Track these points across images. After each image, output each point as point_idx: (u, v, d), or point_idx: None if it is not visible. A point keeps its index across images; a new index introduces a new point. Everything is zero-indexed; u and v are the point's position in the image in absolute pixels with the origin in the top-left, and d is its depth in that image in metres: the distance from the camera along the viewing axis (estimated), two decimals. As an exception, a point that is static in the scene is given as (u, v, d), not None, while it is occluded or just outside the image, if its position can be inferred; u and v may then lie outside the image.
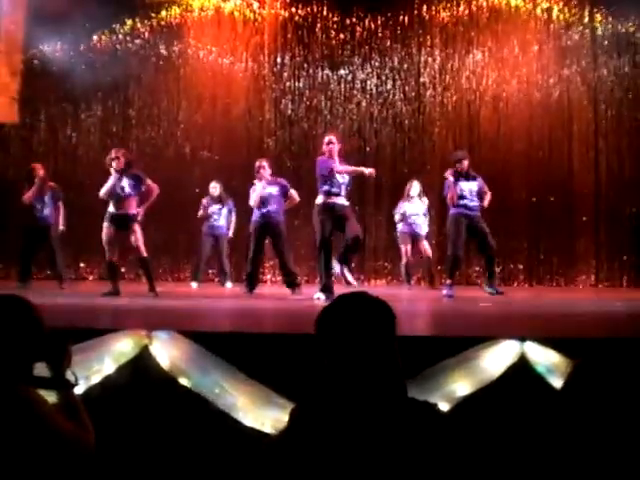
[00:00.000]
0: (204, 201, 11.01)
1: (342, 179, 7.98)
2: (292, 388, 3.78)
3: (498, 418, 3.94)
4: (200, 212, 10.96)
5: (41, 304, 2.55)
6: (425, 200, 11.03)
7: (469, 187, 8.95)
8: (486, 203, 9.11)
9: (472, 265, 12.15)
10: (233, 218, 11.12)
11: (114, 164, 8.53)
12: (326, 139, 8.12)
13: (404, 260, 11.01)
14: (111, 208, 8.48)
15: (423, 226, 10.92)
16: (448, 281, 9.04)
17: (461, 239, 8.89)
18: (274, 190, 9.16)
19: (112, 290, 8.36)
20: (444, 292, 8.96)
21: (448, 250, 9.04)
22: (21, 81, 11.81)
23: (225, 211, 11.01)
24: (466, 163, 9.01)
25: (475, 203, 8.95)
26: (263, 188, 9.09)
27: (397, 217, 11.01)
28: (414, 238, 10.90)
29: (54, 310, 5.90)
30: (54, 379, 2.49)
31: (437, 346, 4.22)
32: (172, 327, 4.43)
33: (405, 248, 10.93)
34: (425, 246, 10.86)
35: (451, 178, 8.94)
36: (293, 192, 9.34)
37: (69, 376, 2.54)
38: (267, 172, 9.23)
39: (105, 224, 8.46)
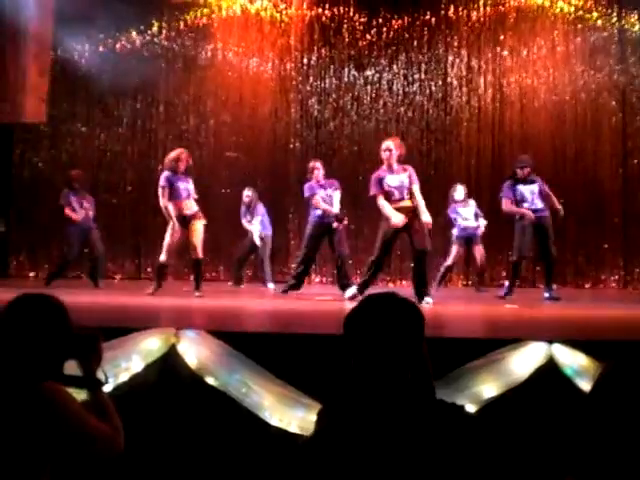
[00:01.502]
0: (242, 209, 10.94)
1: (395, 183, 7.82)
2: (319, 389, 3.78)
3: (525, 420, 3.92)
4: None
5: (71, 303, 2.57)
6: (472, 202, 10.70)
7: (530, 189, 8.80)
8: (557, 204, 8.91)
9: (498, 266, 12.10)
10: (264, 225, 10.88)
11: (180, 165, 8.51)
12: (383, 145, 7.99)
13: (449, 262, 10.70)
14: (175, 210, 8.39)
15: (476, 229, 10.56)
16: (507, 283, 9.10)
17: (526, 243, 8.80)
18: (330, 192, 9.08)
19: (156, 288, 8.47)
20: (500, 293, 9.07)
21: (513, 255, 8.97)
22: (49, 81, 11.92)
23: (256, 220, 10.82)
24: (528, 170, 8.84)
25: (539, 205, 8.77)
26: (320, 189, 9.03)
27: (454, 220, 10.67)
28: (469, 242, 10.59)
29: (83, 309, 5.95)
30: (84, 378, 2.50)
31: (464, 348, 4.21)
32: (200, 326, 4.45)
33: (457, 251, 10.63)
34: (481, 250, 10.56)
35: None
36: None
37: (99, 375, 2.55)
38: (321, 173, 9.17)
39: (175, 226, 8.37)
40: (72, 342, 2.45)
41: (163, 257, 8.44)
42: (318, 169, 9.16)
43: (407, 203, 7.82)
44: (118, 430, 2.46)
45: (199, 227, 8.46)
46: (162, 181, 8.39)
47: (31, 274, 12.35)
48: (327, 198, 9.00)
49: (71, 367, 2.50)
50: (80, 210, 9.85)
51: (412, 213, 7.78)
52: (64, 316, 2.45)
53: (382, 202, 7.81)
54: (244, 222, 10.84)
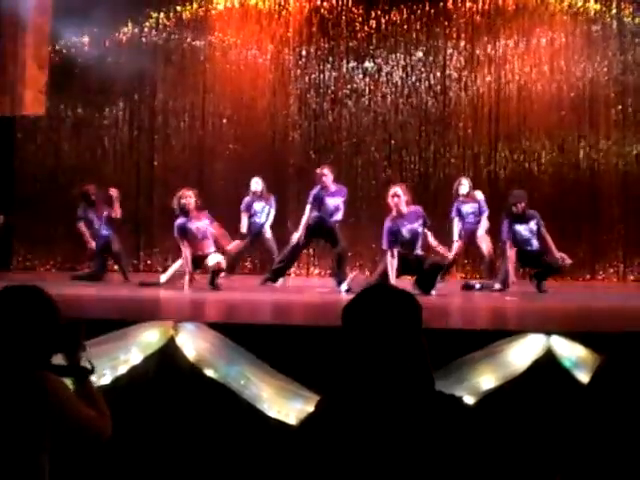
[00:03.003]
0: (247, 199, 10.44)
1: (408, 234, 7.97)
2: (317, 381, 3.79)
3: (524, 412, 3.93)
4: (243, 223, 10.32)
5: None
6: (479, 194, 10.30)
7: (528, 227, 8.77)
8: (555, 253, 8.76)
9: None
10: (271, 215, 10.50)
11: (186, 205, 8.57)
12: (391, 191, 8.05)
13: (451, 256, 10.47)
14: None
15: (479, 225, 10.10)
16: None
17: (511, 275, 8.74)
18: (339, 201, 9.02)
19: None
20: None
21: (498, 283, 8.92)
22: (48, 74, 11.89)
23: (267, 209, 10.46)
24: (523, 206, 8.75)
25: (535, 246, 8.75)
26: (328, 198, 8.97)
27: (453, 214, 10.28)
28: (470, 236, 10.15)
29: (84, 301, 5.96)
30: (71, 367, 2.53)
31: (463, 339, 4.21)
32: (198, 318, 4.46)
33: (459, 244, 10.18)
34: (482, 246, 10.09)
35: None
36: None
37: (85, 364, 2.57)
38: (329, 179, 9.01)
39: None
40: (57, 333, 2.47)
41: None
42: (326, 175, 9.01)
43: (418, 252, 8.00)
44: (106, 416, 2.50)
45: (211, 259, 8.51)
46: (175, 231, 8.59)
47: (28, 265, 12.35)
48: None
49: (55, 357, 2.52)
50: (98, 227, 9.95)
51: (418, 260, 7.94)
52: (51, 307, 2.47)
53: (389, 261, 7.89)
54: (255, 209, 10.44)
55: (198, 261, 8.49)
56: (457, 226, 10.21)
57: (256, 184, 10.43)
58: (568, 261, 8.82)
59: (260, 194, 10.42)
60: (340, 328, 2.01)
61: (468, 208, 10.21)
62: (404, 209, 7.95)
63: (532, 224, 8.81)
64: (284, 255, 9.19)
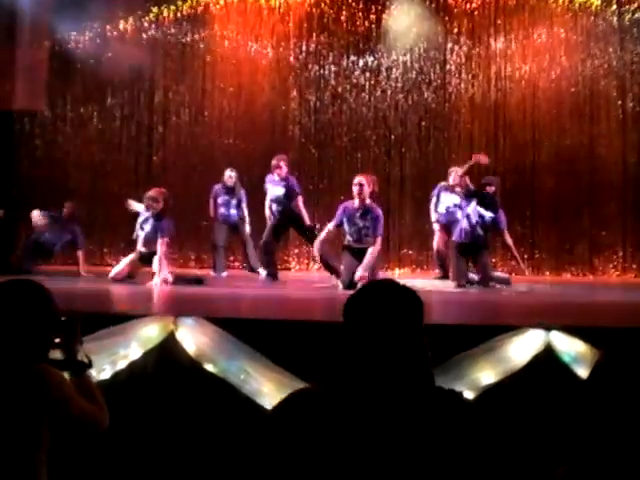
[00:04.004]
0: (215, 188, 10.61)
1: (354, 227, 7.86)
2: (318, 375, 3.79)
3: (524, 407, 3.93)
4: (211, 208, 10.62)
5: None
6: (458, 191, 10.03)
7: (488, 215, 8.64)
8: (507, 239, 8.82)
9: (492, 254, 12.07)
10: (245, 211, 10.52)
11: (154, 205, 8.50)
12: (356, 180, 7.92)
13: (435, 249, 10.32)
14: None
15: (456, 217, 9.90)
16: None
17: (464, 270, 8.65)
18: (280, 191, 9.15)
19: None
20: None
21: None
22: (48, 68, 11.86)
23: (234, 202, 10.50)
24: (493, 189, 8.65)
25: (480, 233, 8.62)
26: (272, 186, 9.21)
27: (433, 201, 10.33)
28: (449, 229, 9.92)
29: (81, 296, 5.96)
30: (67, 361, 2.54)
31: (463, 335, 4.21)
32: (198, 313, 4.46)
33: (438, 236, 10.18)
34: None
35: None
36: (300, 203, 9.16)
37: (82, 358, 2.58)
38: (284, 171, 9.18)
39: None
40: (55, 326, 2.48)
41: None
42: (281, 168, 9.22)
43: (362, 245, 7.75)
44: (103, 409, 2.52)
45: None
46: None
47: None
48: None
49: (53, 351, 2.53)
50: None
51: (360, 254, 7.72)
52: (48, 301, 2.47)
53: (324, 231, 7.98)
54: (220, 201, 10.56)
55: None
56: (433, 211, 10.26)
57: (229, 178, 10.51)
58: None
59: (227, 187, 10.51)
60: (341, 323, 2.01)
61: (452, 199, 10.11)
62: (368, 201, 7.83)
63: (489, 214, 8.66)
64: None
